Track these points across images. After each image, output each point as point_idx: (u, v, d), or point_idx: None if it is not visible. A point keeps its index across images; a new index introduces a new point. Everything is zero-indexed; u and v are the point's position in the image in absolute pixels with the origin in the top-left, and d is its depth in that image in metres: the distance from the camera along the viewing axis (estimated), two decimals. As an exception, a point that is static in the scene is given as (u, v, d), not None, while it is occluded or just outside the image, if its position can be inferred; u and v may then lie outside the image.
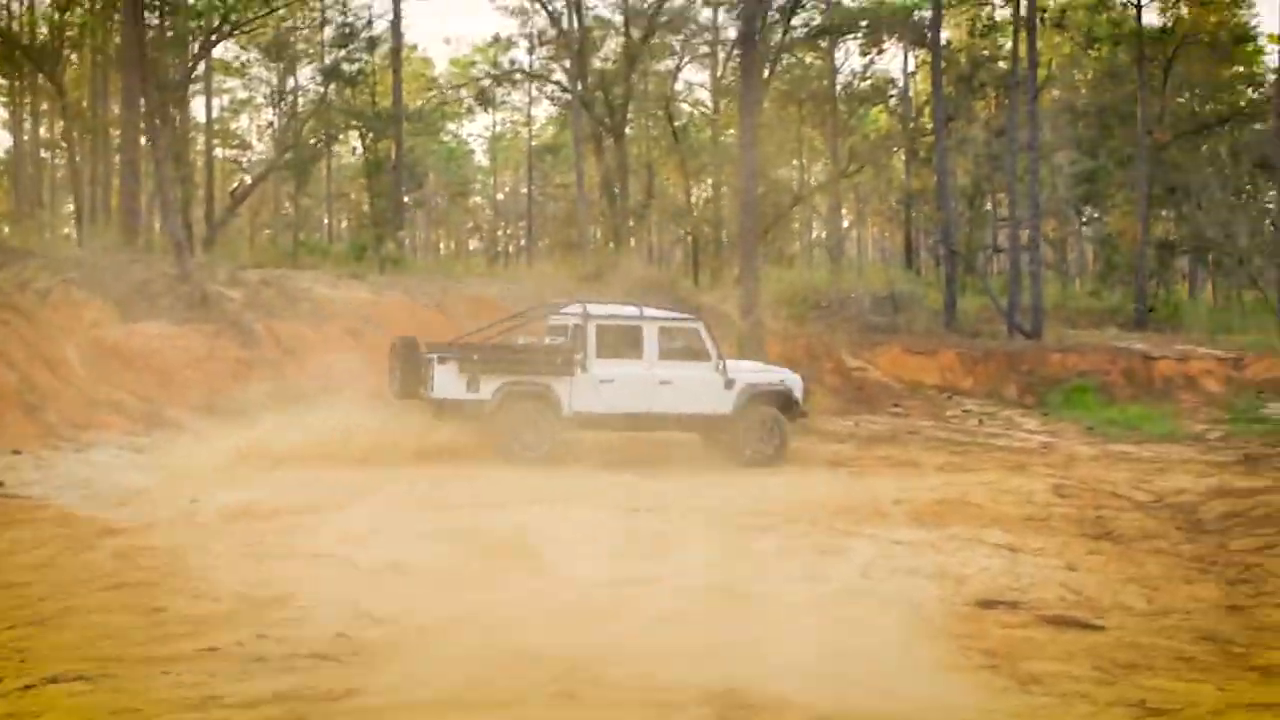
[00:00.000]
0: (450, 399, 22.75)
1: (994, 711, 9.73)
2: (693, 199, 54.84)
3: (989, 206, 57.33)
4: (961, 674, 10.59)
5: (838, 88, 55.82)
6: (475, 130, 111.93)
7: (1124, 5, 48.95)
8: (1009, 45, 45.46)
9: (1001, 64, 48.27)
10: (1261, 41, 62.42)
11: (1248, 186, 57.11)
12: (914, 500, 18.58)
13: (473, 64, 63.50)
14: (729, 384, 23.18)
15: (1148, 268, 49.42)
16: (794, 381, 23.85)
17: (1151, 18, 51.57)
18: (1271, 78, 54.99)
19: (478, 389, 22.64)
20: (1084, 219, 64.51)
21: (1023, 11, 42.46)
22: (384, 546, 14.22)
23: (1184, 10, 53.01)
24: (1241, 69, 62.22)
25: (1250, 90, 60.99)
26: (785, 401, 23.66)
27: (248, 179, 58.71)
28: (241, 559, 13.63)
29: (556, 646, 10.46)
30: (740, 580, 13.33)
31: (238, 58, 56.72)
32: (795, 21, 46.99)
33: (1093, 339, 38.75)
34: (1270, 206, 56.69)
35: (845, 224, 61.53)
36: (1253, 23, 58.37)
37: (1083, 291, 55.83)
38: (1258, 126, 56.36)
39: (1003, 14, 48.25)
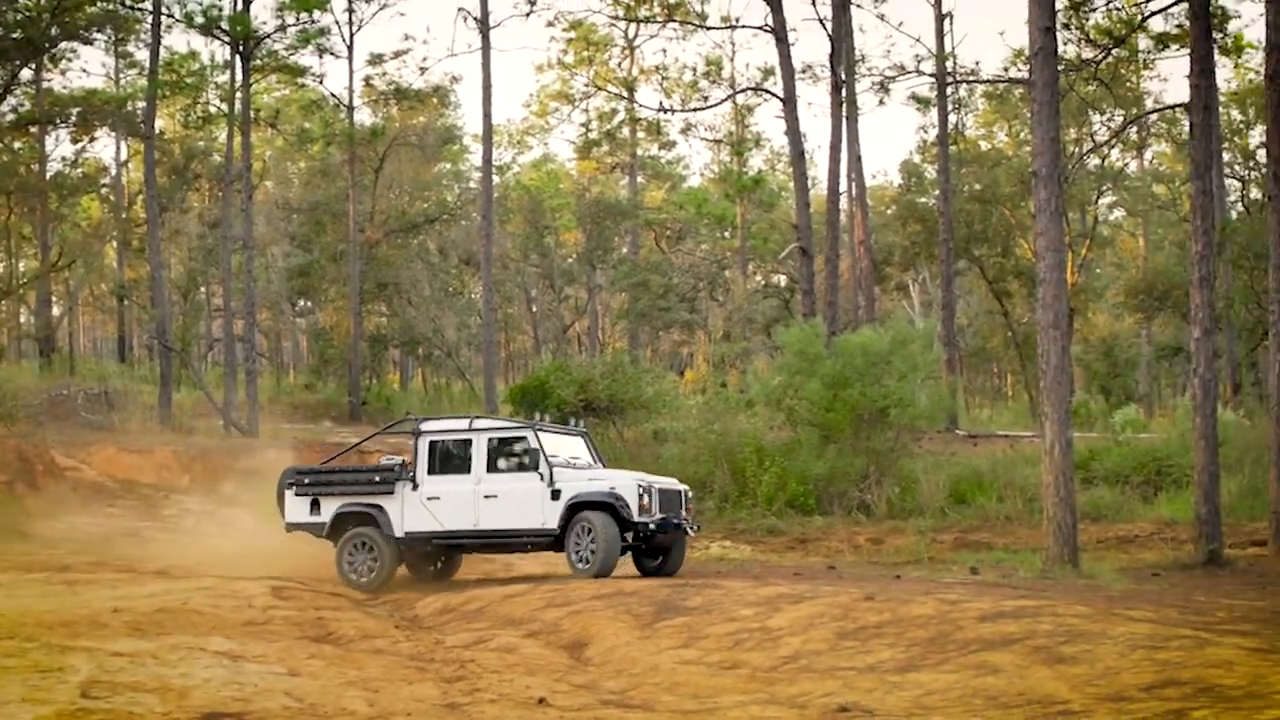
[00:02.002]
0: (297, 523, 22.55)
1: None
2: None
3: (204, 298, 56.99)
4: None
5: (48, 176, 53.86)
6: None
7: (336, 106, 50.06)
8: (224, 137, 45.46)
9: (217, 156, 48.19)
10: (467, 142, 65.71)
11: (455, 282, 59.67)
12: (133, 608, 17.96)
13: None
14: (555, 495, 21.02)
15: (361, 360, 50.55)
16: (627, 487, 20.82)
17: (363, 117, 53.02)
18: (477, 176, 57.72)
19: (319, 512, 22.19)
20: (298, 312, 65.25)
21: (238, 107, 42.56)
22: None
23: (394, 111, 54.90)
24: (449, 166, 65.17)
25: (457, 189, 63.97)
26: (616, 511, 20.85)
27: None
28: None
29: None
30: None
31: None
32: (3, 108, 45.01)
33: (309, 434, 39.06)
34: (476, 300, 59.37)
35: (56, 316, 59.24)
36: (459, 123, 61.33)
37: (298, 384, 56.33)
38: (464, 223, 59.05)
39: (217, 107, 48.23)
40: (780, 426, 30.52)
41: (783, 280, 62.80)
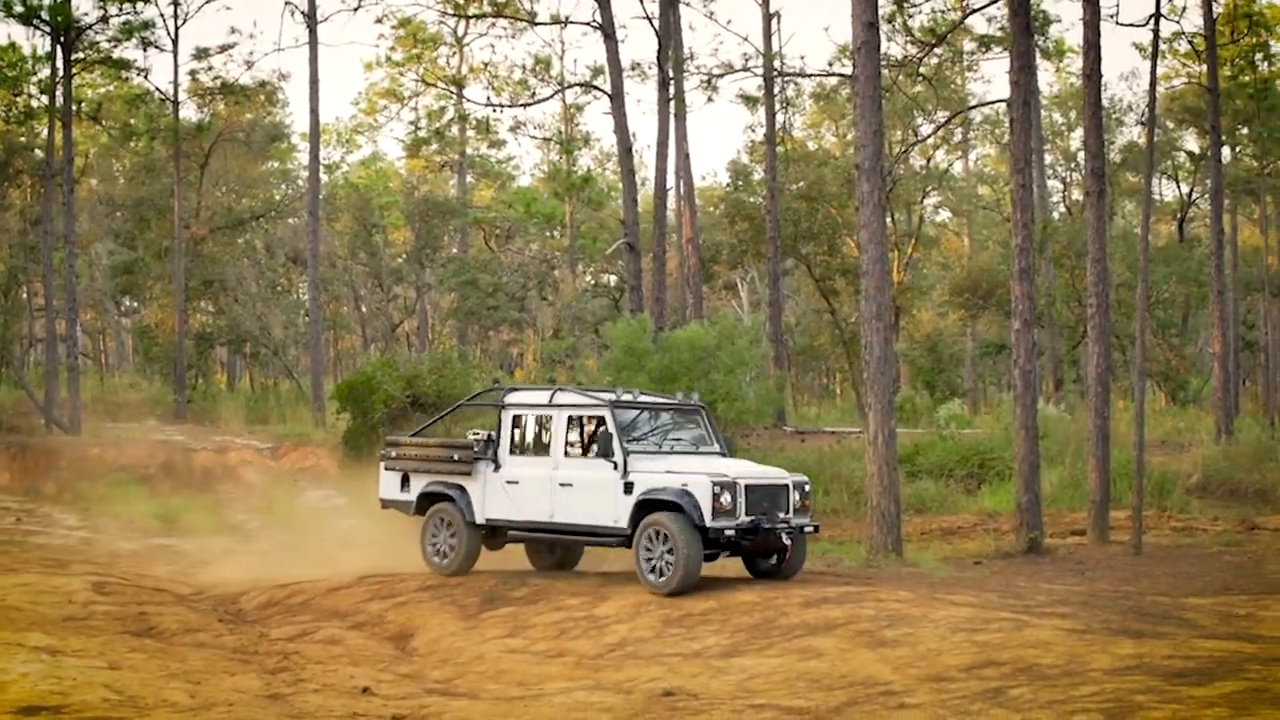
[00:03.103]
0: (388, 499, 20.76)
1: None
2: None
3: (25, 297, 55.70)
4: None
5: None
6: None
7: (162, 101, 49.19)
8: (45, 133, 44.45)
9: (39, 152, 47.11)
10: (295, 140, 65.02)
11: (283, 280, 59.01)
12: (-54, 607, 17.55)
13: None
14: (628, 488, 17.85)
15: (186, 359, 49.78)
16: (699, 483, 17.30)
17: (189, 113, 52.21)
18: (304, 174, 57.12)
19: (408, 489, 20.33)
20: (123, 312, 64.10)
21: (59, 101, 41.66)
22: None
23: (221, 107, 54.09)
24: (277, 165, 64.42)
25: (285, 187, 63.25)
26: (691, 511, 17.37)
27: None
28: None
29: None
30: None
31: None
32: None
33: (133, 433, 38.40)
34: (304, 299, 58.74)
35: None
36: (287, 121, 60.64)
37: (123, 383, 55.30)
38: (291, 221, 58.41)
39: (39, 101, 47.15)
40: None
41: (612, 280, 63.01)
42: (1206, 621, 16.45)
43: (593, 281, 65.79)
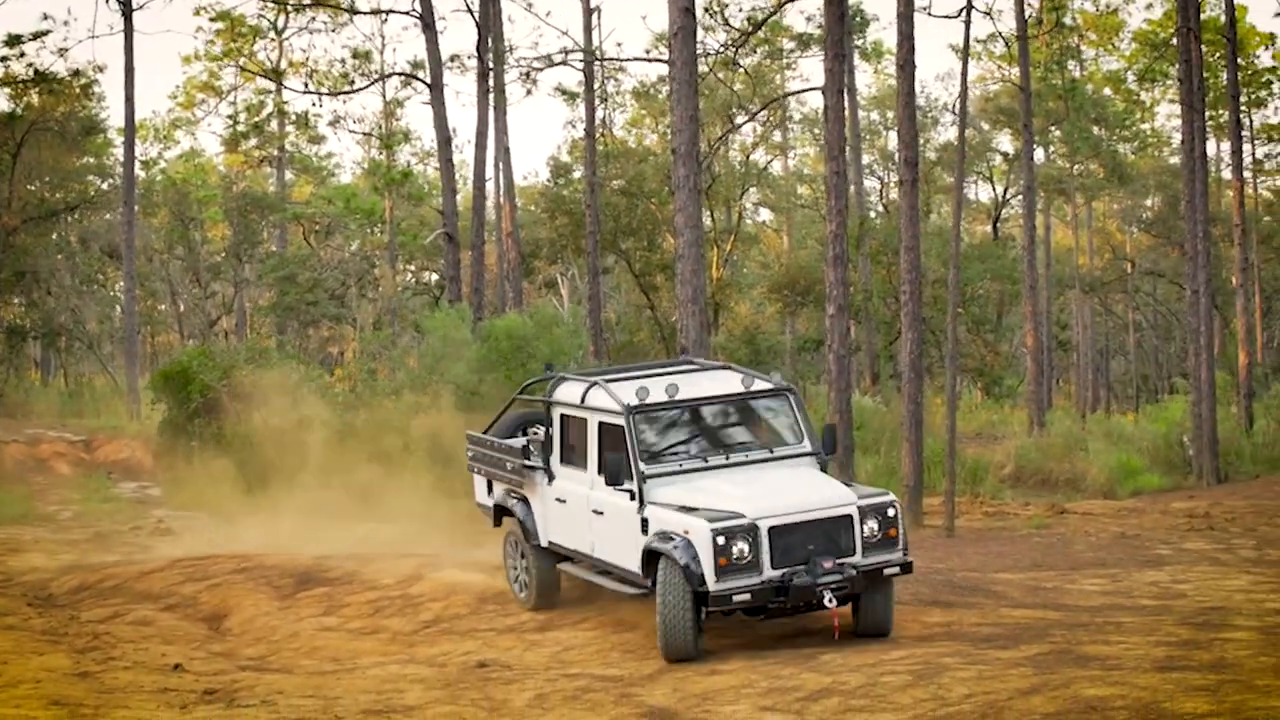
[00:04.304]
0: (480, 504, 17.68)
1: None
2: None
3: None
4: None
5: None
6: None
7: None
8: None
9: None
10: (111, 135, 63.83)
11: (99, 275, 57.92)
12: None
13: None
14: (644, 526, 13.86)
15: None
16: (700, 532, 13.11)
17: (2, 102, 50.99)
18: (121, 169, 56.11)
19: (491, 494, 17.03)
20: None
21: None
22: None
23: (34, 98, 52.94)
24: (92, 160, 63.13)
25: (101, 181, 62.02)
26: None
27: None
28: None
29: None
30: None
31: None
32: None
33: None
34: (119, 294, 57.68)
35: None
36: (104, 115, 59.40)
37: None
38: (108, 216, 57.36)
39: None
40: (428, 410, 30.44)
41: (434, 277, 62.77)
42: (1015, 594, 17.00)
43: (414, 279, 65.47)
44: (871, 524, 13.55)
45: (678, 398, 14.49)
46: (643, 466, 13.98)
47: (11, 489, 29.97)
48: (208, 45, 57.80)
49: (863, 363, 51.82)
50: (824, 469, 14.58)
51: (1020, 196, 47.50)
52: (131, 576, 18.64)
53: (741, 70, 40.97)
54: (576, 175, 51.26)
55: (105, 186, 59.01)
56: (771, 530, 13.23)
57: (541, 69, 41.00)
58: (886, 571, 13.60)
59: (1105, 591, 17.17)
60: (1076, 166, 59.49)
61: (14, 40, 48.48)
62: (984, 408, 51.92)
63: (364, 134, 60.98)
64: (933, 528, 24.38)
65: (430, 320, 31.47)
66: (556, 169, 54.01)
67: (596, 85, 46.91)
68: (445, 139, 36.72)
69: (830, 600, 13.18)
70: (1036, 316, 42.50)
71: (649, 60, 49.80)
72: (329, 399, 31.62)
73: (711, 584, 13.03)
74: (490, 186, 43.56)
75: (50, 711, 11.72)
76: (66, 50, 49.98)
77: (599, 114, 50.59)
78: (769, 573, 13.20)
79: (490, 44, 38.39)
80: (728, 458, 14.37)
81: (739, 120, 44.97)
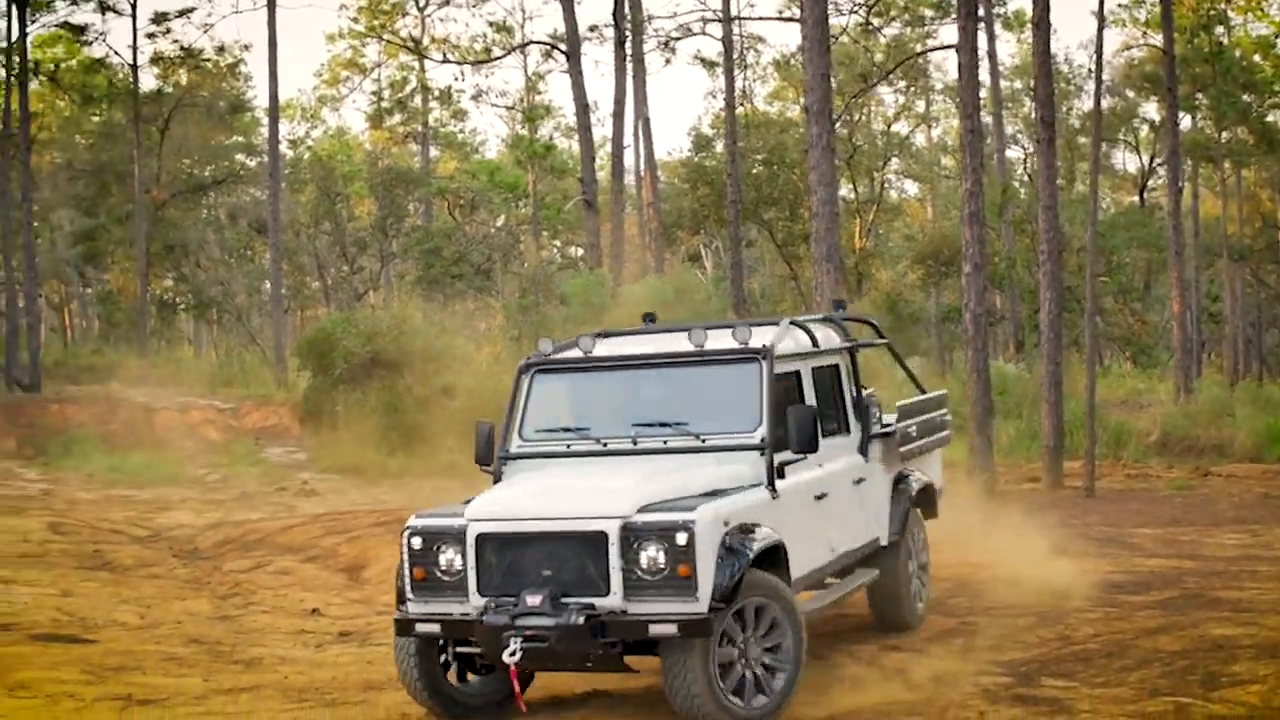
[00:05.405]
0: None
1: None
2: None
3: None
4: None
5: None
6: None
7: (121, 65, 49.22)
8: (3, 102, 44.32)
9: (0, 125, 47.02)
10: (259, 115, 64.93)
11: (247, 249, 58.95)
12: (-98, 546, 17.75)
13: None
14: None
15: (149, 325, 49.89)
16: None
17: (150, 80, 52.06)
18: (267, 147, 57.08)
19: None
20: (87, 282, 63.94)
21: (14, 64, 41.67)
22: None
23: (182, 76, 54.06)
24: (241, 139, 64.28)
25: (248, 158, 63.09)
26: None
27: None
28: None
29: None
30: None
31: None
32: None
33: (95, 394, 38.44)
34: (267, 267, 58.73)
35: None
36: (249, 94, 60.60)
37: (86, 350, 55.29)
38: (255, 191, 58.38)
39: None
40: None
41: (579, 251, 63.13)
42: (1150, 545, 16.81)
43: (559, 254, 65.92)
44: (650, 552, 9.06)
45: (594, 354, 10.96)
46: (516, 442, 10.75)
47: (162, 453, 30.73)
48: (351, 22, 58.56)
49: (1007, 332, 51.33)
50: (779, 471, 10.12)
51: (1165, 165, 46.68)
52: (274, 531, 19.02)
53: (876, 31, 40.65)
54: (718, 149, 51.27)
55: (252, 163, 60.05)
56: (481, 539, 9.41)
57: (679, 38, 41.02)
58: (654, 631, 8.97)
59: (1243, 545, 16.89)
60: (1224, 133, 58.26)
61: (160, 18, 49.50)
62: (1131, 376, 51.13)
63: (506, 108, 61.59)
64: (1072, 488, 24.11)
65: (570, 285, 31.69)
66: (698, 141, 54.05)
67: (735, 55, 46.75)
68: (583, 106, 37.00)
69: (514, 653, 8.99)
70: (1183, 283, 41.71)
71: (782, 20, 49.47)
72: (472, 367, 32.01)
73: (408, 604, 9.68)
74: (630, 156, 43.74)
75: (189, 648, 12.10)
76: (211, 26, 50.89)
77: (739, 83, 50.49)
78: (476, 600, 9.38)
79: (627, 12, 38.52)
80: (635, 442, 10.37)
81: (872, 80, 44.54)
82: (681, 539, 8.95)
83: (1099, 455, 24.89)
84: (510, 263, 57.91)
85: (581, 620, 8.90)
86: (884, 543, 11.77)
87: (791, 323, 11.34)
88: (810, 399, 10.93)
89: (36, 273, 44.25)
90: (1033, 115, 63.47)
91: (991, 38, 49.92)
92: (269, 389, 40.74)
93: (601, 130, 48.86)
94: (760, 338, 10.60)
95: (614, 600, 9.02)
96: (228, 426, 34.78)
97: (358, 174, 60.93)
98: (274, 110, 45.79)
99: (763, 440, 10.04)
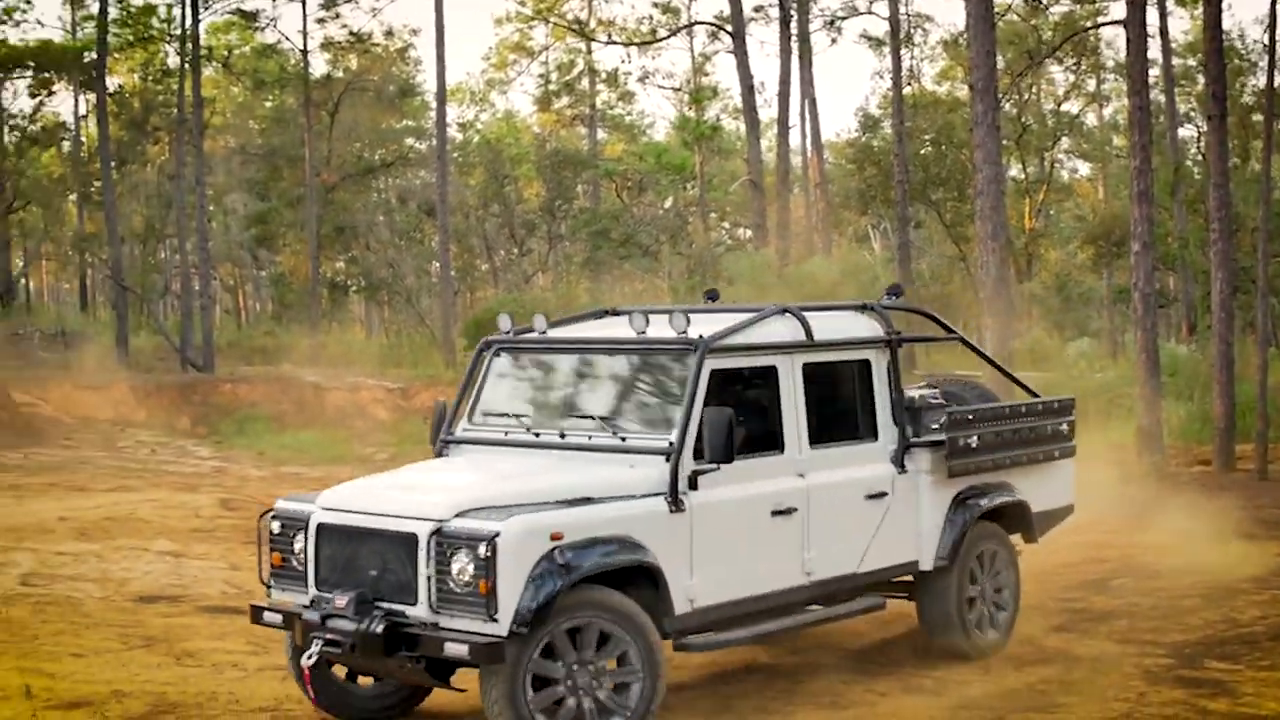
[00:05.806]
0: None
1: (152, 680, 10.13)
2: None
3: (164, 254, 57.29)
4: (116, 654, 10.90)
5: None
6: None
7: (291, 51, 50.18)
8: (184, 89, 45.45)
9: (176, 111, 48.26)
10: (427, 98, 65.78)
11: (416, 231, 59.77)
12: (81, 517, 18.28)
13: None
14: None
15: (320, 306, 50.81)
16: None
17: (320, 64, 53.15)
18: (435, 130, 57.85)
19: None
20: (260, 265, 65.33)
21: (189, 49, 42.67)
22: None
23: (351, 61, 54.95)
24: (411, 123, 65.18)
25: (418, 141, 63.96)
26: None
27: None
28: None
29: None
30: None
31: None
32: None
33: (265, 372, 39.27)
34: (435, 249, 59.51)
35: (20, 267, 59.65)
36: (417, 79, 61.40)
37: (259, 331, 56.51)
38: (424, 174, 59.16)
39: (174, 61, 48.33)
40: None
41: (746, 232, 63.08)
42: (1323, 529, 16.44)
43: (726, 235, 65.91)
44: (461, 562, 8.26)
45: (550, 335, 10.33)
46: (463, 425, 10.29)
47: (332, 432, 31.29)
48: (518, 5, 59.01)
49: (1180, 313, 50.32)
50: (691, 481, 9.07)
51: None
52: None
53: (1045, 9, 40.03)
54: (885, 129, 50.91)
55: (421, 147, 60.81)
56: (320, 530, 8.95)
57: (845, 17, 40.81)
58: (449, 651, 8.24)
59: None
60: None
61: (330, 3, 50.28)
62: (1313, 359, 49.88)
63: (673, 89, 61.68)
64: (1244, 471, 23.61)
65: (736, 265, 31.69)
66: (865, 121, 53.74)
67: (902, 34, 46.42)
68: (749, 87, 36.95)
69: (310, 657, 8.60)
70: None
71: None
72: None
73: (270, 591, 9.39)
74: (796, 137, 43.59)
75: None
76: (379, 11, 51.66)
77: (906, 62, 50.14)
78: (312, 593, 8.95)
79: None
80: (562, 435, 9.70)
81: (1038, 58, 43.82)
82: (483, 551, 8.11)
83: (1271, 438, 24.29)
84: (677, 244, 57.99)
85: (380, 629, 8.29)
86: (926, 566, 10.57)
87: (787, 310, 10.18)
88: (795, 399, 9.81)
89: (210, 256, 45.34)
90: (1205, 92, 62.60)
91: (1163, 14, 48.74)
92: (437, 369, 41.23)
93: (768, 111, 48.73)
94: (713, 325, 9.62)
95: (422, 611, 8.35)
96: (396, 406, 35.25)
97: (526, 157, 61.49)
98: (441, 94, 46.29)
99: (670, 445, 9.04)
